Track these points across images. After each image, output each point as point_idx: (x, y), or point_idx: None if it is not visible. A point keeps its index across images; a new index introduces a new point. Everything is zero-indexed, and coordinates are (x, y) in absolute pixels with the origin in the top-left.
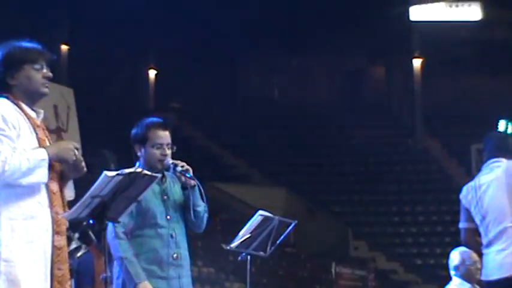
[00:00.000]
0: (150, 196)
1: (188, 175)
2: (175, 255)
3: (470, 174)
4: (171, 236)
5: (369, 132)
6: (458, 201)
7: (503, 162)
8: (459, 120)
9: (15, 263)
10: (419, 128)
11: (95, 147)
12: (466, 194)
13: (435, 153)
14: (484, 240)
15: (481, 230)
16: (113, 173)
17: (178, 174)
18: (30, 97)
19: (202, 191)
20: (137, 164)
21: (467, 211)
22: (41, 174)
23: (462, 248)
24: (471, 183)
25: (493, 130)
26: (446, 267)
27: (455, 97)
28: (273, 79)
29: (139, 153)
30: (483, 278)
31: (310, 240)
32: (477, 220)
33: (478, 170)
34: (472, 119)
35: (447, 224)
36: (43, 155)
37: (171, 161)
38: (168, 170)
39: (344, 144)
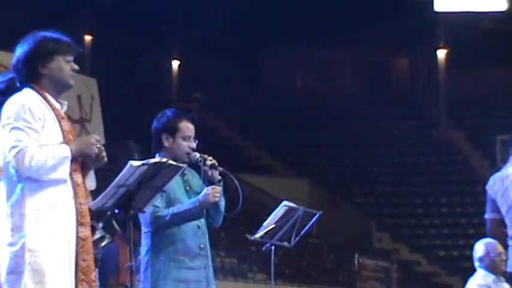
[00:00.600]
0: (176, 187)
1: (219, 168)
2: (202, 246)
3: (495, 165)
4: (198, 226)
5: (392, 124)
6: (483, 193)
7: None
8: (484, 112)
9: (40, 252)
10: (443, 119)
11: (118, 137)
12: (493, 185)
13: (459, 145)
14: (510, 232)
15: (507, 221)
16: (138, 163)
17: (206, 168)
18: (58, 88)
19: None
20: (157, 155)
21: (494, 202)
22: (64, 172)
23: (487, 239)
24: (498, 174)
25: None
26: (469, 258)
27: (479, 88)
28: (297, 70)
29: (166, 144)
30: (508, 269)
31: (333, 232)
32: (503, 211)
33: (503, 161)
34: (497, 110)
35: (471, 215)
36: (67, 152)
37: (198, 155)
38: (193, 163)
39: (367, 135)
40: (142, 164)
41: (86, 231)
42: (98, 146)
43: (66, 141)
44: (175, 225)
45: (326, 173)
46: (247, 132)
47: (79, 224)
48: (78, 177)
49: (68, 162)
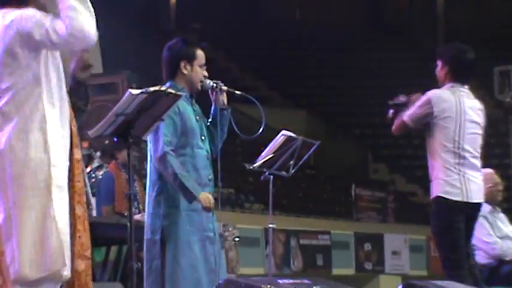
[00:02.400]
0: (191, 116)
1: (237, 92)
2: (210, 176)
3: (493, 97)
4: (207, 157)
5: (389, 55)
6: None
7: None
8: (482, 43)
9: (61, 169)
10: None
11: (116, 66)
12: None
13: None
14: None
15: None
16: (137, 91)
17: (220, 94)
18: None
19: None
20: (168, 83)
21: None
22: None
23: (484, 170)
24: None
25: None
26: None
27: (478, 19)
28: (295, 1)
29: (184, 71)
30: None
31: (330, 163)
32: None
33: (501, 92)
34: (495, 42)
35: None
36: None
37: (212, 82)
38: (203, 90)
39: (364, 66)
40: (141, 92)
41: (79, 154)
42: None
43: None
44: (170, 181)
45: (323, 104)
46: (244, 63)
47: (74, 146)
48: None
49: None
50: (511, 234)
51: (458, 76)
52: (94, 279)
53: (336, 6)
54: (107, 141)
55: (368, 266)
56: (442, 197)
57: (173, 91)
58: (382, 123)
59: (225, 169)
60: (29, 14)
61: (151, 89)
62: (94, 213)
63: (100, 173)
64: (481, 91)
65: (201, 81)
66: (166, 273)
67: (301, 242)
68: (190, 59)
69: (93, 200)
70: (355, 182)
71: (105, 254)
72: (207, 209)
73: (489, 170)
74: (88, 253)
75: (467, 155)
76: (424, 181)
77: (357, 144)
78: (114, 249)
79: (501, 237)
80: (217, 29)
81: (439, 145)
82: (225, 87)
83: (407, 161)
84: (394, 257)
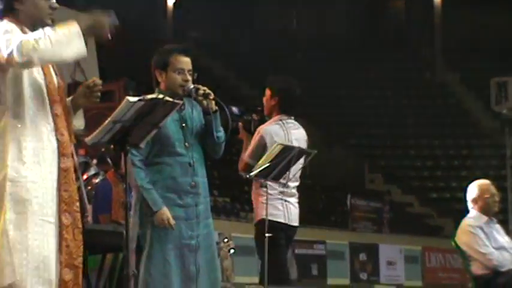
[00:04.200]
0: (169, 124)
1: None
2: (193, 183)
3: (489, 108)
4: (190, 164)
5: (387, 65)
6: (476, 135)
7: None
8: (479, 54)
9: (22, 183)
10: (438, 61)
11: (113, 74)
12: None
13: (454, 87)
14: None
15: None
16: (135, 99)
17: (200, 98)
18: (34, 25)
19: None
20: (156, 90)
21: None
22: (80, 46)
23: (480, 181)
24: None
25: None
26: (462, 201)
27: (475, 30)
28: (292, 10)
29: (160, 79)
30: None
31: (325, 173)
32: None
33: (497, 103)
34: (493, 53)
35: (464, 158)
36: (75, 27)
37: (192, 86)
38: (189, 95)
39: (362, 76)
40: (139, 99)
41: (68, 162)
42: (111, 25)
43: (45, 73)
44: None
45: (320, 114)
46: (241, 72)
47: (61, 154)
48: (57, 108)
49: (81, 36)
50: (506, 245)
51: (287, 109)
52: (89, 287)
53: (334, 16)
54: (103, 149)
55: (363, 276)
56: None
57: (170, 99)
58: (378, 134)
59: (220, 178)
60: None
61: (149, 96)
62: (90, 220)
63: (96, 181)
64: (478, 102)
65: (182, 86)
66: (139, 282)
67: (297, 251)
68: (162, 66)
69: (89, 207)
70: (350, 192)
71: (100, 261)
72: (161, 226)
73: (486, 181)
74: (77, 262)
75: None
76: (420, 192)
77: (353, 154)
78: (109, 256)
79: (497, 248)
80: (214, 38)
81: None
82: (202, 91)
83: (404, 172)
84: (390, 267)
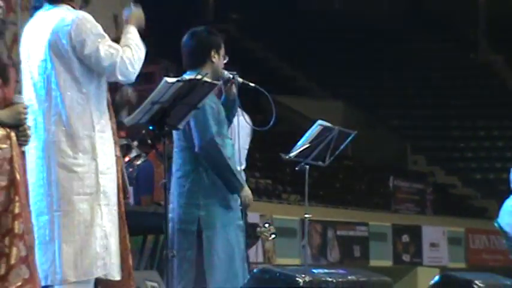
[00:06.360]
0: (220, 106)
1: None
2: (237, 167)
3: None
4: (233, 145)
5: (431, 46)
6: None
7: None
8: None
9: (108, 176)
10: (482, 42)
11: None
12: None
13: (497, 68)
14: None
15: None
16: (173, 80)
17: (239, 82)
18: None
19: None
20: (194, 72)
21: None
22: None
23: None
24: None
25: None
26: (506, 182)
27: None
28: None
29: (213, 60)
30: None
31: (368, 154)
32: None
33: None
34: None
35: (508, 139)
36: (134, 28)
37: (229, 73)
38: (221, 80)
39: (405, 57)
40: (177, 80)
41: (118, 150)
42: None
43: None
44: (215, 169)
45: (362, 95)
46: (282, 54)
47: (115, 143)
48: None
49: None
50: None
51: None
52: None
53: None
54: (143, 131)
55: (406, 257)
56: None
57: (209, 80)
58: (421, 115)
59: (262, 160)
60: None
61: (187, 77)
62: (132, 202)
63: (138, 163)
64: None
65: (223, 70)
66: (204, 264)
67: (338, 233)
68: (218, 47)
69: (130, 189)
70: (393, 173)
71: (141, 242)
72: (245, 207)
73: None
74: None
75: None
76: (464, 173)
77: (395, 136)
78: (150, 238)
79: None
80: (255, 20)
81: None
82: (240, 79)
83: (447, 153)
84: (433, 249)
